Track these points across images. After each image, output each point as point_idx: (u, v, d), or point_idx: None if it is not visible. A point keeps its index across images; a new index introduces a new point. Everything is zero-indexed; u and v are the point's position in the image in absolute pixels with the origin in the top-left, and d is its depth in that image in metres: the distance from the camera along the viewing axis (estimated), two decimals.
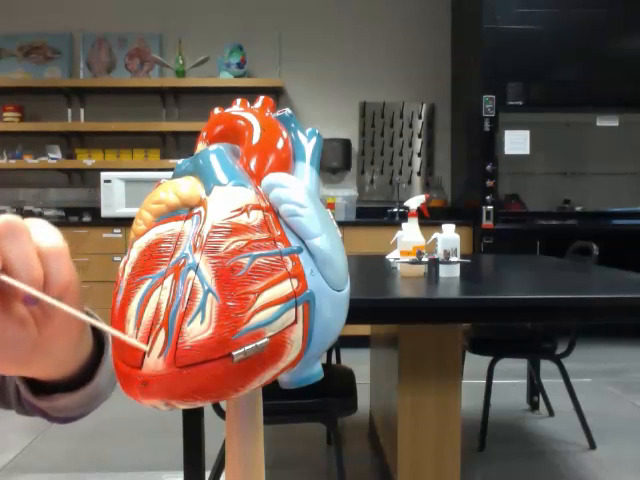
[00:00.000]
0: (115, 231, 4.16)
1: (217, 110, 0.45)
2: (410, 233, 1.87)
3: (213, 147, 0.40)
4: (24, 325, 0.36)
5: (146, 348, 0.34)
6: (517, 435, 2.68)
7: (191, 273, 0.34)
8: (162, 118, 4.79)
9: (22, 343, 0.37)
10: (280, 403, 1.72)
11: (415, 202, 1.93)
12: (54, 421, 0.57)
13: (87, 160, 4.50)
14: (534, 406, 2.97)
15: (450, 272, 1.82)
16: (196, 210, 0.37)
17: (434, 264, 1.79)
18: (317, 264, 0.38)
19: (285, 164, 0.42)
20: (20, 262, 0.33)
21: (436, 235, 1.88)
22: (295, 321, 0.35)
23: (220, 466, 1.80)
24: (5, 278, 0.33)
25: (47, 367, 0.42)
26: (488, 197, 4.11)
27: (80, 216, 4.43)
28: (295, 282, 0.36)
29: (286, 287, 0.35)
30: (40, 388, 0.49)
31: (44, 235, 0.36)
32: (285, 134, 0.43)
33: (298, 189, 0.38)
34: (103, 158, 4.54)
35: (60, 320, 0.38)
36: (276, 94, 4.63)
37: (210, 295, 0.34)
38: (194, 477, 1.71)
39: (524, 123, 4.21)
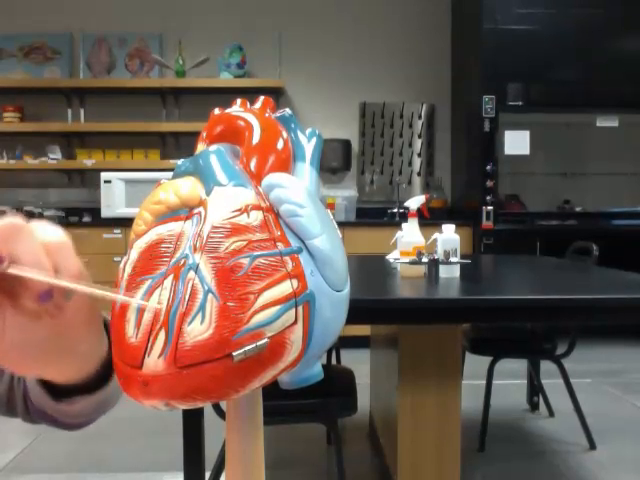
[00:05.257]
0: (115, 231, 4.16)
1: (217, 110, 0.45)
2: (410, 233, 1.87)
3: (213, 147, 0.40)
4: (39, 321, 0.37)
5: (159, 306, 0.34)
6: (517, 435, 2.68)
7: (191, 273, 0.34)
8: (162, 118, 4.79)
9: (39, 340, 0.37)
10: (280, 403, 1.72)
11: (415, 202, 1.93)
12: (62, 427, 0.57)
13: (87, 160, 4.50)
14: (534, 406, 2.97)
15: (450, 272, 1.82)
16: (196, 210, 0.37)
17: (434, 264, 1.79)
18: (317, 264, 0.38)
19: (285, 164, 0.42)
20: (28, 257, 0.34)
21: (436, 235, 1.88)
22: (295, 321, 0.36)
23: (220, 466, 1.80)
24: (21, 272, 0.33)
25: (65, 365, 0.43)
26: (488, 197, 4.11)
27: (80, 216, 4.43)
28: (295, 282, 0.36)
29: (286, 287, 0.35)
30: (59, 393, 0.49)
31: (47, 232, 0.37)
32: (285, 134, 0.43)
33: (298, 189, 0.38)
34: (103, 158, 4.54)
35: (72, 313, 0.39)
36: (276, 94, 4.63)
37: (210, 295, 0.34)
38: (194, 477, 1.71)
39: (524, 123, 4.21)
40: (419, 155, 4.87)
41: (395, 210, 4.57)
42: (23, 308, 0.36)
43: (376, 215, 4.67)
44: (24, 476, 2.32)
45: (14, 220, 0.35)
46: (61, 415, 0.52)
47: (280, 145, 0.42)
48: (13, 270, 0.33)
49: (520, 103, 4.12)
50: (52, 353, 0.39)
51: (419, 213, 1.92)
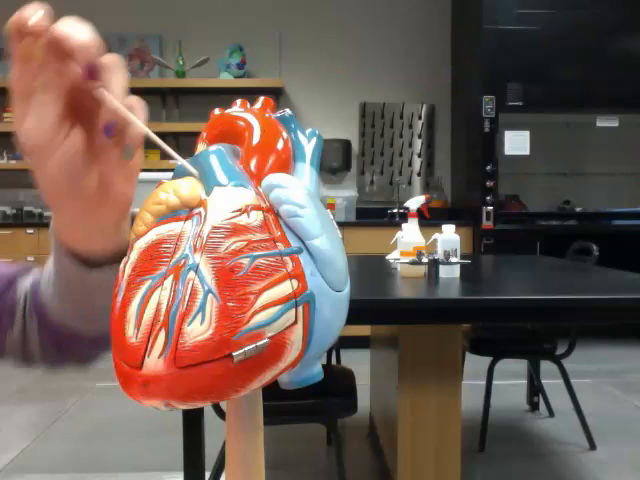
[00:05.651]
0: None
1: (217, 111, 0.45)
2: (410, 234, 1.88)
3: (213, 148, 0.40)
4: (91, 162, 0.41)
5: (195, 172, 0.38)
6: (517, 435, 2.68)
7: (191, 274, 0.34)
8: (162, 119, 4.79)
9: (82, 184, 0.41)
10: (280, 404, 1.72)
11: (415, 203, 1.93)
12: (79, 351, 0.57)
13: None
14: (534, 406, 2.97)
15: (450, 273, 1.82)
16: (196, 211, 0.37)
17: (434, 264, 1.79)
18: (317, 265, 0.38)
19: (285, 165, 0.42)
20: (116, 90, 0.39)
21: (436, 236, 1.88)
22: (295, 322, 0.35)
23: (220, 466, 1.80)
24: (106, 97, 0.38)
25: (90, 232, 0.45)
26: (488, 198, 4.11)
27: None
28: (295, 283, 0.36)
29: (286, 288, 0.35)
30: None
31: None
32: (285, 135, 0.43)
33: (298, 190, 0.38)
34: None
35: (115, 190, 0.42)
36: (276, 94, 4.63)
37: (210, 296, 0.34)
38: (194, 477, 1.71)
39: (524, 124, 4.22)
40: (419, 155, 4.87)
41: (395, 210, 4.57)
42: (84, 135, 0.39)
43: (376, 215, 4.68)
44: (24, 476, 2.32)
45: (117, 57, 0.39)
46: (85, 304, 0.51)
47: (280, 145, 0.42)
48: (103, 91, 0.37)
49: (520, 103, 4.12)
50: (85, 209, 0.42)
51: (419, 213, 1.92)
